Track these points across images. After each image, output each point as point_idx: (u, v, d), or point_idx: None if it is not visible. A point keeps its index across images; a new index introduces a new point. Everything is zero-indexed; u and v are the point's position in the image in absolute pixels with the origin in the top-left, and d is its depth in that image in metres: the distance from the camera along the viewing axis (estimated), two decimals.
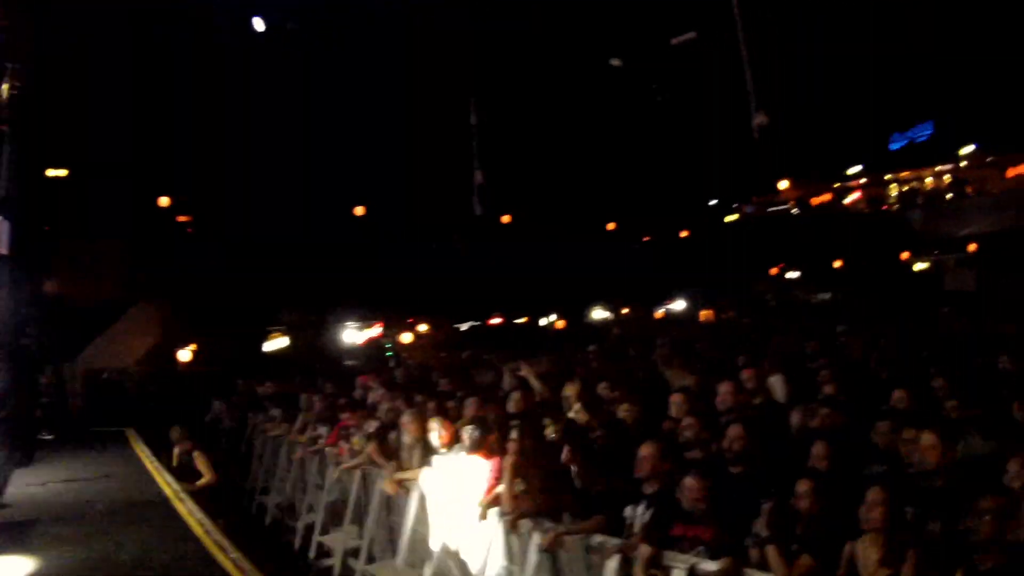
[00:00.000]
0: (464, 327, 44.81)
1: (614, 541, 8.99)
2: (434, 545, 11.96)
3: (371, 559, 14.06)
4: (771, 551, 7.69)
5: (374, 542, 14.10)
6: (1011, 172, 54.35)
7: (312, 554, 15.76)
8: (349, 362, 32.81)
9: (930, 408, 10.53)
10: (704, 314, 48.77)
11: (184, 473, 19.19)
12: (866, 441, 9.78)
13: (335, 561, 14.82)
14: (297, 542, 16.64)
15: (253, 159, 41.47)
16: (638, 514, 9.07)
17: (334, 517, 15.75)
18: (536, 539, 9.84)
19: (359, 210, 43.12)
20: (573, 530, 9.59)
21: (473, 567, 11.14)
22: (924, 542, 7.28)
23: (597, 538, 9.20)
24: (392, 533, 13.68)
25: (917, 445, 8.46)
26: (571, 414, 13.26)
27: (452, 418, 13.29)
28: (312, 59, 42.84)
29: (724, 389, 11.49)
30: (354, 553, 14.39)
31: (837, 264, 52.04)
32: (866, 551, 7.33)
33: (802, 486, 8.00)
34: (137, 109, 40.60)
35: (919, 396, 11.25)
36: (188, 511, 17.75)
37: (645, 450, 9.24)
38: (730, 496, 8.68)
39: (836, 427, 10.08)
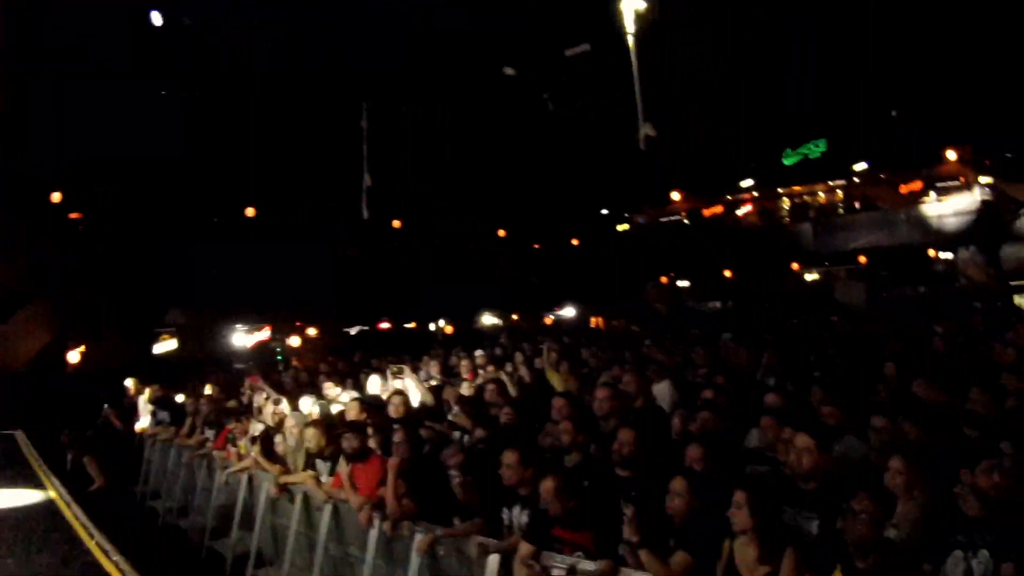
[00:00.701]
0: (353, 331, 44.74)
1: (493, 542, 9.20)
2: (319, 549, 12.05)
3: (261, 563, 14.10)
4: (644, 555, 7.87)
5: (263, 547, 14.16)
6: (904, 189, 55.45)
7: (203, 558, 15.70)
8: (238, 365, 32.64)
9: (807, 413, 10.78)
10: (594, 321, 49.15)
11: (74, 477, 19.06)
12: (747, 445, 10.10)
13: (226, 567, 14.77)
14: (187, 547, 16.56)
15: (142, 155, 40.96)
16: (515, 516, 9.28)
17: (224, 521, 15.67)
18: (417, 541, 10.00)
19: (249, 211, 42.75)
20: (452, 532, 9.79)
21: (358, 570, 11.24)
22: (802, 541, 7.50)
23: (477, 539, 9.37)
24: (280, 537, 13.73)
25: (793, 447, 8.66)
26: (451, 417, 13.47)
27: (337, 422, 13.42)
28: (202, 56, 42.55)
29: (601, 395, 11.66)
30: (243, 558, 14.37)
31: (727, 274, 52.70)
32: (743, 550, 7.53)
33: (676, 485, 8.18)
34: (23, 102, 39.99)
35: (798, 401, 11.64)
36: (74, 515, 17.52)
37: (508, 458, 9.45)
38: (615, 499, 8.79)
39: (716, 431, 10.38)
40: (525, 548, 8.60)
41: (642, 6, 17.74)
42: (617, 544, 8.17)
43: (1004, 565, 6.95)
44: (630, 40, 18.30)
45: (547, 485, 8.68)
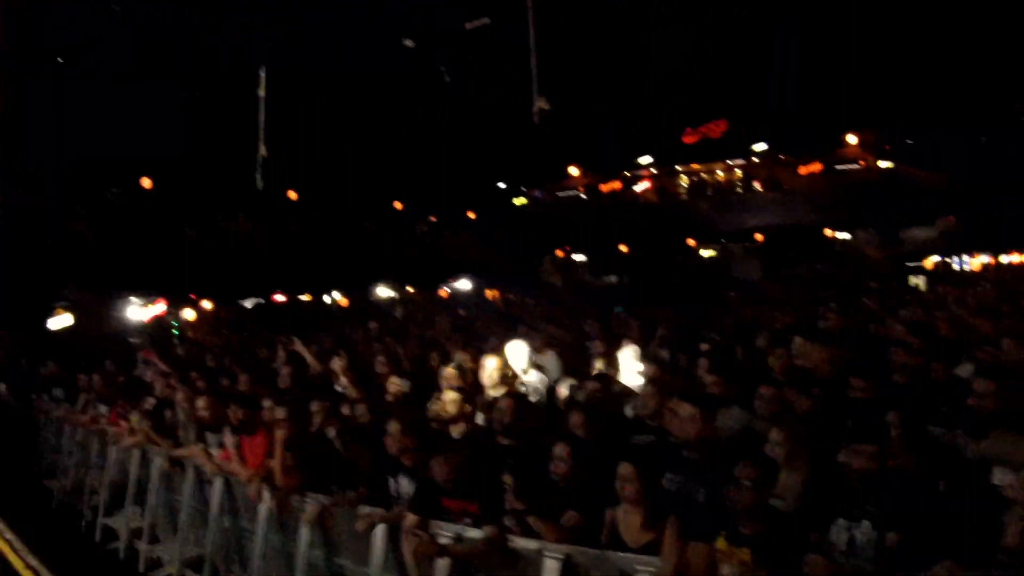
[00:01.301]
0: (248, 304, 44.42)
1: (380, 512, 9.25)
2: (212, 522, 12.01)
3: (155, 539, 13.98)
4: (532, 520, 7.93)
5: (157, 522, 14.04)
6: (803, 170, 56.05)
7: (98, 537, 15.45)
8: (133, 339, 32.24)
9: (694, 383, 10.86)
10: (490, 294, 49.22)
11: None
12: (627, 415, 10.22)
13: (120, 543, 14.61)
14: (83, 525, 16.30)
15: (32, 124, 40.28)
16: (401, 486, 9.30)
17: (117, 498, 15.45)
18: (305, 512, 10.04)
19: (146, 182, 42.25)
20: (340, 502, 9.79)
21: (250, 542, 11.23)
22: (686, 509, 7.59)
23: (365, 509, 9.42)
24: (173, 512, 13.62)
25: (677, 416, 8.72)
26: (338, 388, 13.45)
27: (226, 395, 13.33)
28: (97, 24, 41.86)
29: (491, 365, 11.73)
30: (138, 534, 14.20)
31: (623, 249, 52.94)
32: (627, 518, 7.62)
33: (559, 450, 8.26)
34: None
35: (686, 372, 11.83)
36: None
37: (391, 427, 9.51)
38: (498, 467, 8.85)
39: (603, 401, 10.49)
40: (411, 519, 8.64)
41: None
42: (503, 511, 8.22)
43: (888, 535, 7.09)
44: (529, 13, 18.31)
45: (437, 459, 8.75)
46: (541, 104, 16.76)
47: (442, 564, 8.32)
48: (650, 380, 10.68)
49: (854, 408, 9.53)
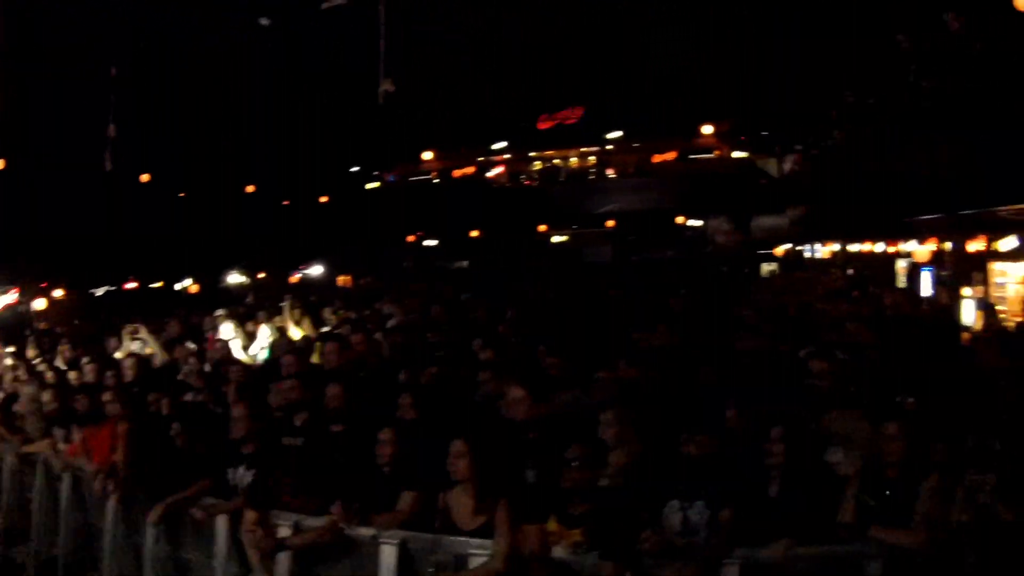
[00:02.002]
0: (100, 292, 43.63)
1: (221, 504, 9.16)
2: (63, 521, 11.63)
3: (12, 540, 13.58)
4: (406, 494, 7.94)
5: (12, 521, 13.69)
6: (656, 158, 56.60)
7: None
8: None
9: (527, 365, 11.01)
10: (341, 279, 48.99)
11: None
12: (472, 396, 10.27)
13: None
14: None
15: None
16: (239, 476, 9.21)
17: None
18: (151, 513, 9.78)
19: None
20: (179, 496, 9.59)
21: (100, 540, 10.93)
22: (517, 490, 7.62)
23: (208, 501, 9.31)
24: (27, 510, 13.29)
25: (508, 397, 8.87)
26: (182, 376, 13.31)
27: (72, 388, 13.08)
28: None
29: (328, 349, 11.92)
30: None
31: (474, 234, 53.00)
32: (459, 500, 7.66)
33: (384, 434, 8.30)
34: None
35: (520, 355, 11.99)
36: None
37: (236, 411, 9.45)
38: (333, 454, 8.96)
39: (441, 383, 10.61)
40: (249, 515, 8.54)
41: None
42: (337, 499, 8.19)
43: (722, 512, 7.20)
44: None
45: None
46: (387, 86, 16.65)
47: (283, 557, 8.28)
48: (488, 363, 10.78)
49: (696, 393, 9.71)
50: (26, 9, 31.70)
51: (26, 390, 13.82)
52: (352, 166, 58.79)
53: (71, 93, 37.93)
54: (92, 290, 42.51)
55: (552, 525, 7.20)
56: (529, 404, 8.68)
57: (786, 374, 9.99)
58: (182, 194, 46.04)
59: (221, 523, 8.99)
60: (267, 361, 14.09)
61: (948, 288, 20.58)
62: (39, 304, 36.59)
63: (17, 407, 13.76)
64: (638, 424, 8.34)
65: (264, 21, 36.66)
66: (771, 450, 7.67)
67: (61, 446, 11.93)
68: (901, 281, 28.27)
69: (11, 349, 18.63)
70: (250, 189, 49.59)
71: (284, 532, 8.33)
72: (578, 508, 7.15)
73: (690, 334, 12.73)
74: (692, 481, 7.38)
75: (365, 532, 7.94)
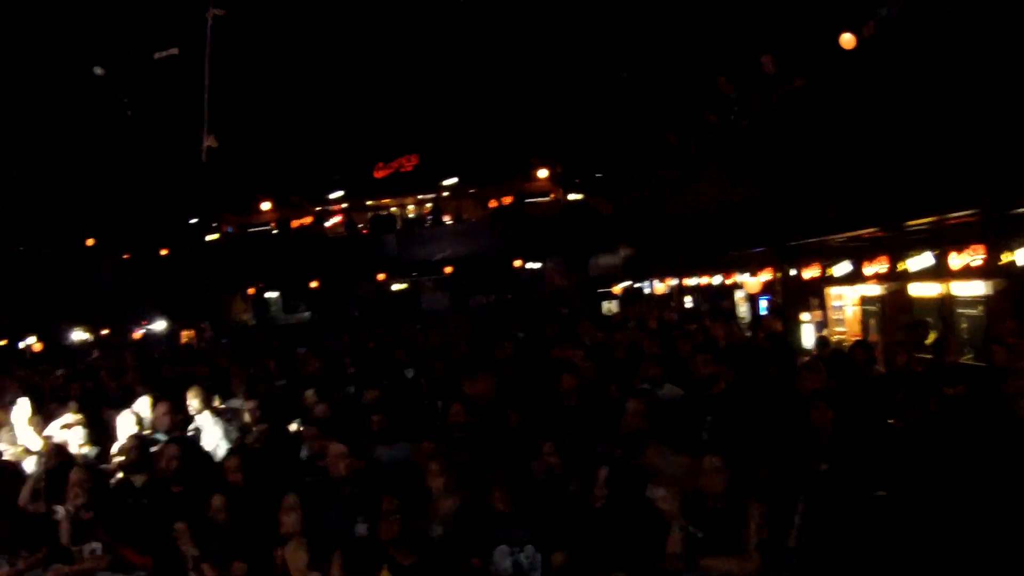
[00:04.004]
0: None
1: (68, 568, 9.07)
2: None
3: None
4: (206, 568, 7.87)
5: None
6: (492, 203, 56.88)
7: None
8: None
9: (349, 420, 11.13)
10: (185, 334, 48.40)
11: None
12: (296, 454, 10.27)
13: None
14: None
15: None
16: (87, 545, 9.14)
17: None
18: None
19: None
20: (28, 561, 9.38)
21: None
22: (348, 543, 7.75)
23: (56, 566, 9.15)
24: None
25: (329, 454, 9.03)
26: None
27: None
28: None
29: (159, 410, 11.88)
30: None
31: (314, 284, 52.78)
32: (295, 555, 7.75)
33: (215, 501, 8.38)
34: None
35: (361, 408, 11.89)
36: None
37: (72, 476, 9.40)
38: (170, 515, 8.81)
39: (266, 443, 10.75)
40: (105, 559, 8.53)
41: (221, 12, 17.49)
42: (177, 560, 8.13)
43: (555, 556, 7.27)
44: (206, 47, 18.08)
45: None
46: (210, 142, 16.54)
47: None
48: (314, 421, 10.82)
49: (511, 437, 9.82)
50: None
51: None
52: (190, 218, 58.11)
53: None
54: None
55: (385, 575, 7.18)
56: (348, 460, 8.83)
57: (605, 414, 10.08)
58: (20, 248, 45.21)
59: None
60: None
61: (779, 315, 21.08)
62: None
63: None
64: (463, 472, 8.42)
65: (98, 71, 36.15)
66: (596, 491, 7.77)
67: None
68: (742, 311, 28.83)
69: None
70: (90, 242, 48.81)
71: None
72: (408, 558, 7.13)
73: (510, 380, 12.83)
74: (520, 526, 7.45)
75: None
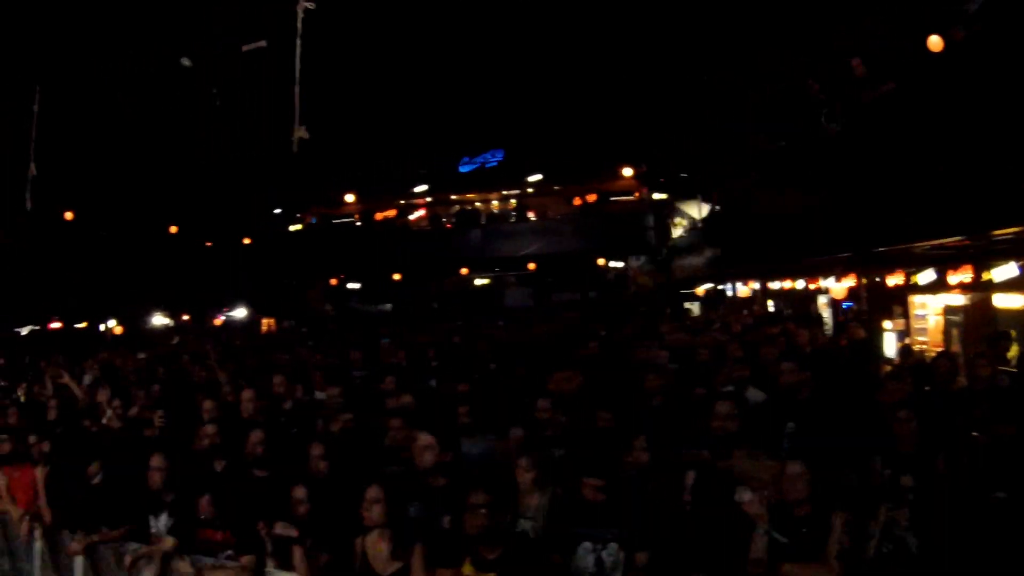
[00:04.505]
0: (24, 331, 43.17)
1: (144, 548, 9.21)
2: None
3: None
4: (297, 551, 7.94)
5: None
6: (576, 201, 56.68)
7: None
8: None
9: (433, 412, 11.04)
10: (266, 322, 48.77)
11: None
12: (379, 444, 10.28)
13: None
14: None
15: None
16: (161, 523, 9.20)
17: None
18: (72, 544, 9.82)
19: None
20: (105, 537, 9.61)
21: None
22: (432, 536, 7.76)
23: (132, 545, 9.33)
24: None
25: (416, 444, 8.95)
26: (105, 420, 13.17)
27: None
28: None
29: (245, 396, 11.79)
30: None
31: (396, 277, 52.85)
32: (376, 545, 7.72)
33: (297, 492, 8.42)
34: None
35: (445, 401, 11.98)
36: None
37: (154, 461, 9.41)
38: (253, 498, 9.01)
39: (356, 431, 10.68)
40: (169, 541, 8.59)
41: (312, 5, 17.59)
42: (258, 543, 8.26)
43: (638, 555, 7.28)
44: (297, 40, 18.19)
45: (205, 498, 8.73)
46: (301, 133, 16.61)
47: None
48: (400, 410, 10.81)
49: (600, 434, 9.80)
50: None
51: None
52: (275, 208, 58.41)
53: None
54: (16, 329, 42.07)
55: (467, 569, 7.23)
56: (436, 451, 8.78)
57: (697, 414, 10.00)
58: (104, 233, 45.59)
59: (146, 567, 9.02)
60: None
61: (863, 322, 20.89)
62: None
63: None
64: (552, 469, 8.44)
65: (186, 62, 36.40)
66: (684, 492, 7.80)
67: None
68: (824, 317, 28.56)
69: None
70: (173, 230, 49.17)
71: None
72: (492, 552, 7.18)
73: (597, 378, 12.79)
74: (605, 523, 7.45)
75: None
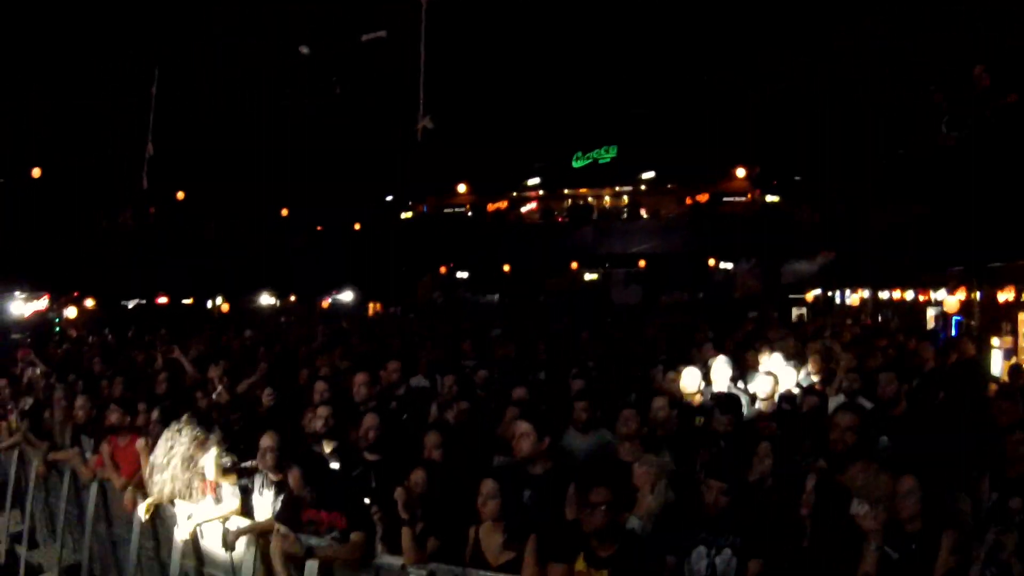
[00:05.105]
0: (131, 304, 43.83)
1: (248, 523, 9.33)
2: (88, 529, 11.80)
3: (35, 544, 13.80)
4: (405, 532, 8.06)
5: (36, 526, 13.87)
6: (688, 200, 56.54)
7: None
8: (15, 335, 31.58)
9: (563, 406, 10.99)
10: (372, 307, 49.17)
11: None
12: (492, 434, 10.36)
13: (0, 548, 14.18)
14: None
15: None
16: (268, 499, 9.38)
17: None
18: (180, 522, 9.94)
19: (36, 172, 41.37)
20: (210, 516, 9.74)
21: (125, 550, 11.07)
22: (547, 528, 7.74)
23: (234, 520, 9.47)
24: (53, 516, 13.39)
25: (515, 433, 9.00)
26: (215, 396, 13.38)
27: (103, 397, 13.18)
28: None
29: (358, 380, 11.77)
30: (18, 538, 13.95)
31: (506, 269, 52.95)
32: (489, 536, 7.80)
33: (416, 475, 8.37)
34: None
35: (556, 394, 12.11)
36: None
37: (264, 441, 9.48)
38: (366, 482, 9.19)
39: (469, 421, 10.71)
40: (280, 528, 8.74)
41: None
42: (368, 523, 8.39)
43: (751, 563, 7.34)
44: (421, 30, 18.34)
45: (294, 473, 8.87)
46: (425, 123, 16.75)
47: (310, 565, 8.38)
48: (515, 402, 10.90)
49: (719, 438, 9.84)
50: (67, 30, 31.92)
51: (56, 397, 13.96)
52: (387, 195, 58.81)
53: (111, 110, 37.97)
54: (123, 302, 42.72)
55: (580, 565, 7.24)
56: (533, 439, 8.80)
57: (810, 424, 9.95)
58: (212, 221, 46.26)
59: (247, 542, 9.20)
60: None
61: (975, 339, 20.61)
62: (70, 312, 36.73)
63: (48, 414, 13.96)
64: (670, 469, 8.52)
65: (304, 50, 36.71)
66: (803, 501, 7.83)
67: (89, 456, 12.08)
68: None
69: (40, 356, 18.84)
70: (284, 212, 49.70)
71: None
72: (603, 549, 7.25)
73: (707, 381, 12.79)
74: (721, 529, 7.50)
75: (393, 560, 8.11)
